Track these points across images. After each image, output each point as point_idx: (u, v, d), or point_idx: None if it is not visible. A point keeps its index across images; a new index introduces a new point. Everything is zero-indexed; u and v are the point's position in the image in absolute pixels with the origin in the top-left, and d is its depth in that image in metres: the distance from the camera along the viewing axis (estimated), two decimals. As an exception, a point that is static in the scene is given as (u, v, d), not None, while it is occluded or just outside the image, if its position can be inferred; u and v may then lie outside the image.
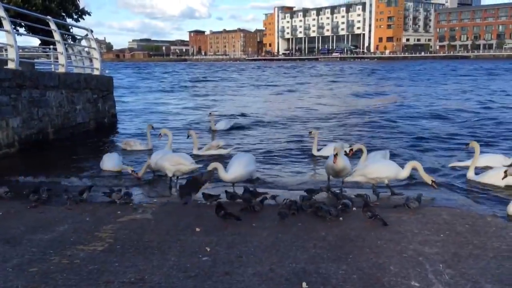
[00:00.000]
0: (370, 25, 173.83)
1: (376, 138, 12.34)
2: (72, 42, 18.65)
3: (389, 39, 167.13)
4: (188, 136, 9.96)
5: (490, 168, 7.73)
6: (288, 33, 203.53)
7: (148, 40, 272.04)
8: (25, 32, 21.06)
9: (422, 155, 9.86)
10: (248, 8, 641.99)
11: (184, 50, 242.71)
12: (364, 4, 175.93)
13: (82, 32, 16.90)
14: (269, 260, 4.07)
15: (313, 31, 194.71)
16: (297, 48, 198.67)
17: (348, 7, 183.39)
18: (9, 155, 9.14)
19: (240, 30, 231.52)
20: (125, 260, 4.08)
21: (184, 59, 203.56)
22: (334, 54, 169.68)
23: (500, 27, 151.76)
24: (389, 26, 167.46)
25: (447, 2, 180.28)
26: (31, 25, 14.41)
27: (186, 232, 4.84)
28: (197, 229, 4.89)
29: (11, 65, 9.84)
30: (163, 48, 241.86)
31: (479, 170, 7.69)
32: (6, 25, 9.68)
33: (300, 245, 4.44)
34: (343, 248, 4.34)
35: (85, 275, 3.79)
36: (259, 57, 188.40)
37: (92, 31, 14.82)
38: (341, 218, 5.19)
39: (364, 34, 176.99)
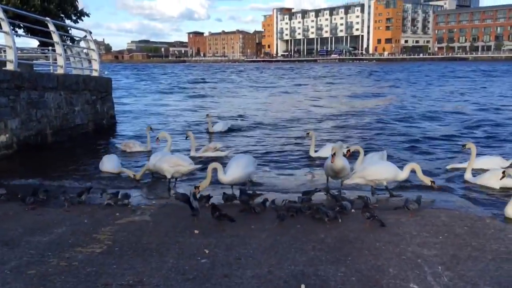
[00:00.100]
0: (368, 27, 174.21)
1: (373, 139, 12.36)
2: (70, 44, 18.65)
3: (388, 40, 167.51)
4: (186, 137, 10.00)
5: (488, 170, 7.73)
6: (286, 34, 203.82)
7: (147, 41, 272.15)
8: (23, 34, 21.03)
9: (420, 157, 9.87)
10: (247, 9, 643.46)
11: (183, 51, 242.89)
12: (362, 6, 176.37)
13: (81, 34, 16.90)
14: (267, 262, 4.06)
15: (312, 33, 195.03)
16: (295, 49, 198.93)
17: (347, 8, 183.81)
18: (8, 157, 9.11)
19: (239, 31, 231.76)
20: (123, 263, 4.07)
21: (183, 60, 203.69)
22: (333, 56, 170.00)
23: (498, 28, 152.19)
24: (387, 28, 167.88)
25: (445, 3, 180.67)
26: (30, 26, 14.38)
27: (185, 234, 4.83)
28: (196, 231, 4.88)
29: (9, 67, 9.83)
30: (162, 49, 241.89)
31: (477, 172, 7.69)
32: (5, 26, 9.67)
33: (299, 247, 4.43)
34: (342, 250, 4.34)
35: (83, 277, 3.78)
36: (257, 59, 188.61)
37: (90, 32, 14.81)
38: (340, 220, 5.19)
39: (362, 36, 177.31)
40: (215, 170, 6.29)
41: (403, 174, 6.40)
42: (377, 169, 6.49)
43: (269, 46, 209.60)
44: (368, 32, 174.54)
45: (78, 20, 24.91)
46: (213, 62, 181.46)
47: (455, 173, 8.22)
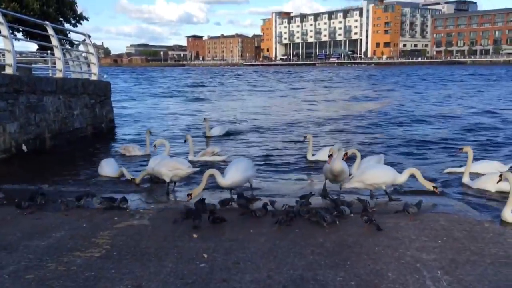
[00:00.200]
0: (367, 31, 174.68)
1: (371, 143, 12.37)
2: (69, 47, 18.66)
3: (386, 44, 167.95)
4: (185, 141, 10.02)
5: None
6: (285, 38, 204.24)
7: (146, 45, 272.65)
8: (22, 37, 21.02)
9: (417, 161, 9.89)
10: (246, 13, 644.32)
11: (182, 55, 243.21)
12: (361, 10, 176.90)
13: (80, 37, 16.89)
14: (266, 267, 4.06)
15: (311, 37, 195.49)
16: (294, 53, 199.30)
17: (346, 12, 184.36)
18: (6, 161, 9.10)
19: (238, 35, 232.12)
20: (122, 267, 4.06)
21: (182, 64, 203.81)
22: (332, 59, 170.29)
23: (497, 32, 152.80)
24: (386, 32, 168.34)
25: (443, 8, 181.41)
26: (29, 30, 14.41)
27: (184, 238, 4.82)
28: (195, 236, 4.87)
29: (8, 70, 9.83)
30: (161, 53, 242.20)
31: (475, 176, 7.71)
32: (4, 30, 9.68)
33: (298, 251, 4.42)
34: (340, 255, 4.33)
35: (81, 282, 3.77)
36: (256, 62, 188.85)
37: (89, 36, 14.83)
38: (338, 223, 5.18)
39: (361, 40, 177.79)
40: (211, 177, 6.27)
41: (402, 178, 6.38)
42: (375, 173, 6.47)
43: (268, 50, 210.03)
44: (367, 36, 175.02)
45: (77, 24, 24.87)
46: (212, 66, 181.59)
47: (453, 177, 8.24)
